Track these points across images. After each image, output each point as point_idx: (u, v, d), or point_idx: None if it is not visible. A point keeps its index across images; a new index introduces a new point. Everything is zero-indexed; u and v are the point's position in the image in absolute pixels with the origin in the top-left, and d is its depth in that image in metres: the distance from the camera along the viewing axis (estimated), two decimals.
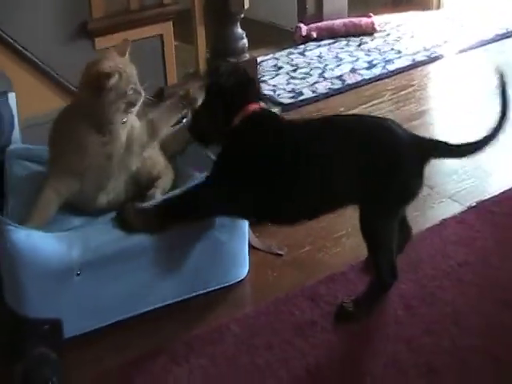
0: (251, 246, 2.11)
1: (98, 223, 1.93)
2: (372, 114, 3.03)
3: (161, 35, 2.73)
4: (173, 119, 2.15)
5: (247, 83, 1.90)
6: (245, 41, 2.85)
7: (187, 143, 2.21)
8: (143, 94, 1.92)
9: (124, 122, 1.93)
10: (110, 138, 1.91)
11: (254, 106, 1.86)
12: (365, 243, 1.86)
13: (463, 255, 2.10)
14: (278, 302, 1.94)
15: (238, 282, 2.04)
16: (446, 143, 1.89)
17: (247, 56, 2.86)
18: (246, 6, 2.87)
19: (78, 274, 1.82)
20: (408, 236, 2.02)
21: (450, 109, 3.13)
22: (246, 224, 2.05)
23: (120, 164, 1.96)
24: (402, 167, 1.79)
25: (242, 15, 2.83)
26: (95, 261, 1.83)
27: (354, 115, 1.97)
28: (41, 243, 1.82)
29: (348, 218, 2.34)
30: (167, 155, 2.17)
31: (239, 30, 2.83)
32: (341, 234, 2.24)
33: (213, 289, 2.00)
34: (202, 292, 1.99)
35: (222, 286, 2.01)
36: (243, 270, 2.06)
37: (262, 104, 1.93)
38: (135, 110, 1.94)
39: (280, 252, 2.15)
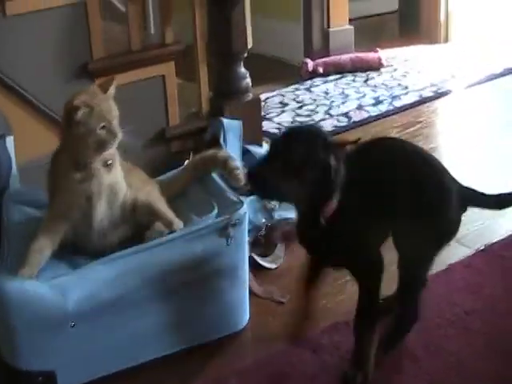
0: (252, 293, 2.06)
1: (92, 267, 1.87)
2: None
3: (163, 76, 2.70)
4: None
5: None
6: (248, 80, 2.83)
7: (187, 186, 2.18)
8: (119, 136, 1.84)
9: (109, 165, 1.88)
10: (86, 176, 1.85)
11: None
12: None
13: (470, 302, 2.04)
14: (278, 354, 1.88)
15: (239, 331, 1.98)
16: (483, 194, 1.85)
17: (251, 95, 2.84)
18: (250, 45, 2.85)
19: (73, 326, 1.78)
20: None
21: (457, 146, 3.08)
22: (246, 271, 2.00)
23: (103, 207, 1.91)
24: (449, 209, 1.78)
25: (246, 54, 2.81)
26: (90, 311, 1.78)
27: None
28: (34, 294, 1.77)
29: None
30: (167, 196, 2.13)
31: (242, 70, 2.82)
32: (345, 280, 2.18)
33: (212, 339, 1.95)
34: (200, 342, 1.94)
35: (222, 335, 1.96)
36: (243, 319, 2.00)
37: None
38: (108, 150, 1.85)
39: (282, 299, 2.09)
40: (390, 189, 1.73)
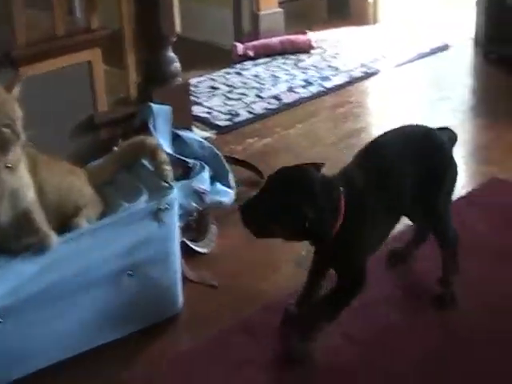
0: (185, 278, 2.05)
1: (13, 262, 1.79)
2: (309, 133, 3.01)
3: (89, 62, 2.65)
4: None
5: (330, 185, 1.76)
6: (177, 64, 2.81)
7: (116, 173, 2.15)
8: (22, 138, 1.75)
9: (9, 167, 1.78)
10: None
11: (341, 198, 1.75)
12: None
13: None
14: (212, 338, 1.88)
15: (173, 316, 1.97)
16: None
17: (180, 80, 2.82)
18: (178, 29, 2.82)
19: (0, 322, 1.74)
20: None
21: (387, 124, 3.10)
22: (178, 256, 1.99)
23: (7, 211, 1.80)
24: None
25: (175, 38, 2.79)
26: (17, 306, 1.74)
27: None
28: None
29: (286, 244, 2.31)
30: (95, 185, 2.10)
31: (171, 54, 2.79)
32: (278, 262, 2.19)
33: (147, 325, 1.93)
34: (136, 329, 1.92)
35: (156, 321, 1.95)
36: (177, 304, 1.99)
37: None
38: (9, 153, 1.75)
39: (214, 283, 2.09)
40: (401, 178, 1.86)
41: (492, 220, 2.31)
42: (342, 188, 1.75)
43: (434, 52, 3.94)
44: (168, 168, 2.05)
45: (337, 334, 1.85)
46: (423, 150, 1.92)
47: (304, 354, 1.80)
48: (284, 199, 1.68)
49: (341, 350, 1.83)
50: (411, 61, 3.83)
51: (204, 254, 2.23)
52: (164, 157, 2.09)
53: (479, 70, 3.80)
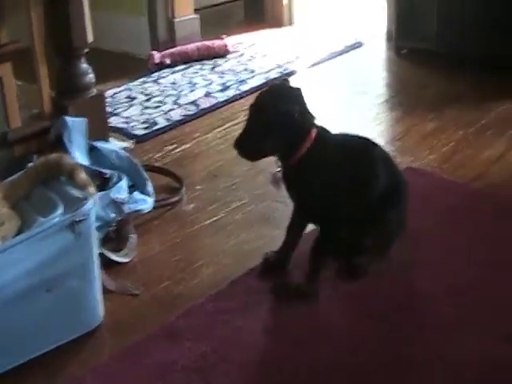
0: (106, 289, 2.05)
1: None
2: (227, 137, 3.03)
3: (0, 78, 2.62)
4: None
5: (305, 105, 1.99)
6: (91, 76, 2.79)
7: (32, 188, 2.14)
8: None
9: None
10: None
11: (314, 131, 1.99)
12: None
13: None
14: (135, 346, 1.88)
15: (95, 328, 1.96)
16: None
17: (94, 91, 2.81)
18: (90, 40, 2.81)
19: None
20: None
21: None
22: (96, 267, 1.98)
23: None
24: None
25: (87, 49, 2.77)
26: None
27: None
28: None
29: (205, 247, 2.34)
30: (11, 201, 2.08)
31: (84, 66, 2.77)
32: (199, 265, 2.21)
33: (69, 339, 1.92)
34: (57, 344, 1.91)
35: (78, 334, 1.93)
36: (98, 316, 1.98)
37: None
38: None
39: (136, 292, 2.09)
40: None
41: (408, 207, 2.37)
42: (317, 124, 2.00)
43: (348, 50, 4.02)
44: (91, 189, 2.05)
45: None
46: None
47: (314, 292, 2.01)
48: (271, 109, 1.91)
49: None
50: (326, 59, 3.89)
51: (125, 263, 2.23)
52: (83, 177, 2.08)
53: (392, 64, 3.89)
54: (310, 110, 2.00)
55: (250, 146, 1.97)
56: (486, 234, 2.26)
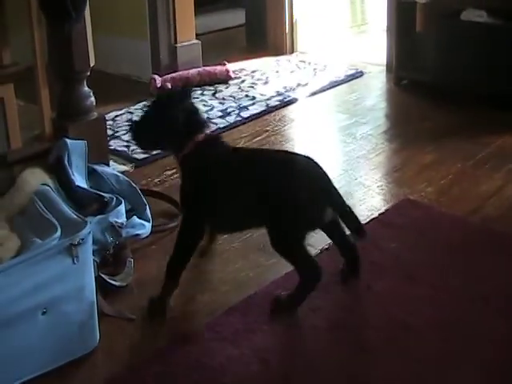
0: (102, 313, 2.04)
1: None
2: None
3: (1, 99, 2.63)
4: None
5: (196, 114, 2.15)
6: (92, 99, 2.80)
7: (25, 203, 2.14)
8: None
9: None
10: None
11: (201, 136, 2.11)
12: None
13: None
14: (129, 370, 1.88)
15: (90, 351, 1.96)
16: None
17: (95, 114, 2.82)
18: (92, 63, 2.83)
19: None
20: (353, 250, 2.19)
21: (302, 150, 3.18)
22: (93, 291, 1.98)
23: None
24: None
25: (89, 73, 2.79)
26: None
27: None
28: None
29: (201, 275, 2.34)
30: (12, 221, 2.08)
31: (86, 89, 2.79)
32: (194, 293, 2.21)
33: (64, 362, 1.92)
34: (53, 367, 1.90)
35: (73, 358, 1.93)
36: (94, 340, 1.98)
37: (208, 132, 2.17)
38: None
39: (132, 317, 2.09)
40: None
41: (404, 239, 2.39)
42: (209, 131, 2.15)
43: (348, 79, 4.06)
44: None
45: None
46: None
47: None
48: (156, 109, 2.14)
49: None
50: (327, 88, 3.93)
51: (122, 287, 2.23)
52: None
53: (392, 95, 3.92)
54: (202, 118, 2.16)
55: (140, 137, 2.21)
56: (480, 270, 2.26)
